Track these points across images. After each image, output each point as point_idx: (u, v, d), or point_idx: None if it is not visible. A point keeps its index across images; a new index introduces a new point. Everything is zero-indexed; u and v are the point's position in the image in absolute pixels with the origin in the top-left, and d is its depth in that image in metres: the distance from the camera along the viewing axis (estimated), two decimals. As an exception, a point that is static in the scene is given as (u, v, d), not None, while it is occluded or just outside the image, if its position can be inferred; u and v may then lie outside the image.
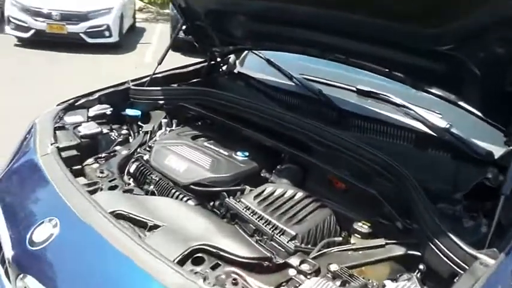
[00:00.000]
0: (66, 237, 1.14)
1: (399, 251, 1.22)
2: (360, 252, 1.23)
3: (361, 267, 1.20)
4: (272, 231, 1.27)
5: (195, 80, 2.30)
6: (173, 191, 1.51)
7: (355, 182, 1.38)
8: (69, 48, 6.89)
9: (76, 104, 1.92)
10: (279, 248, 1.24)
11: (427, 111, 1.63)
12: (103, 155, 1.74)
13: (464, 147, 1.49)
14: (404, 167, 1.41)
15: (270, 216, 1.31)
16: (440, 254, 1.10)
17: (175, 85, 2.20)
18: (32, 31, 6.85)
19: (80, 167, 1.66)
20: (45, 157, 1.47)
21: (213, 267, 1.14)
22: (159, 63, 2.17)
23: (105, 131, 1.82)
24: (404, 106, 1.68)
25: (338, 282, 1.07)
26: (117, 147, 1.80)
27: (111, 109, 1.95)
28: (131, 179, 1.65)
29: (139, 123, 2.01)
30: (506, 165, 1.35)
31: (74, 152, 1.66)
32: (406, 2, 1.24)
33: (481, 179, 1.36)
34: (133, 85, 2.10)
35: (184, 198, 1.48)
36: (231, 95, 1.89)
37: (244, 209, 1.34)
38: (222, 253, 1.17)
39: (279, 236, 1.26)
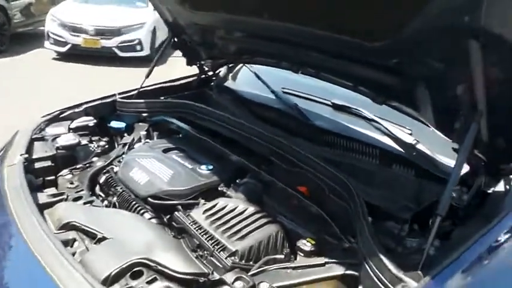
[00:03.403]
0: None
1: (339, 270, 1.16)
2: (299, 270, 1.19)
3: (299, 286, 1.16)
4: (213, 246, 1.25)
5: (182, 94, 2.33)
6: (133, 203, 1.53)
7: (305, 199, 1.34)
8: (102, 61, 7.24)
9: (61, 115, 2.00)
10: (218, 264, 1.22)
11: (397, 127, 1.56)
12: (79, 166, 1.80)
13: (429, 165, 1.41)
14: (368, 183, 1.36)
15: (214, 231, 1.30)
16: (372, 275, 1.04)
17: (162, 98, 2.25)
18: (69, 45, 7.27)
19: (53, 177, 1.72)
20: (11, 167, 1.54)
21: (150, 282, 1.14)
22: (147, 77, 2.23)
23: (83, 142, 1.88)
24: (374, 121, 1.62)
25: None
26: (94, 159, 1.85)
27: (94, 121, 2.02)
28: (101, 191, 1.69)
29: (125, 135, 2.07)
30: (471, 184, 1.28)
31: (48, 163, 1.72)
32: (351, 17, 1.21)
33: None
34: (120, 98, 2.16)
35: (142, 211, 1.49)
36: (206, 108, 1.91)
37: (191, 223, 1.34)
38: (160, 268, 1.17)
39: (219, 252, 1.24)
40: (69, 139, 1.84)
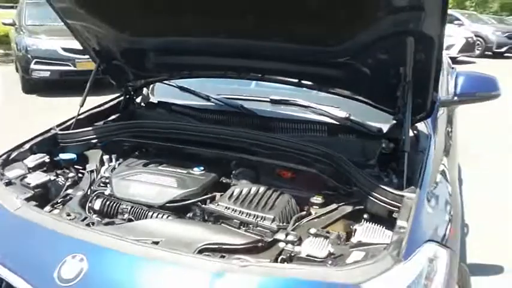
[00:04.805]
0: (99, 267, 1.24)
1: (348, 209, 1.64)
2: (322, 217, 1.61)
3: (326, 228, 1.58)
4: (255, 219, 1.56)
5: (115, 116, 2.39)
6: (150, 213, 1.67)
7: (303, 168, 1.76)
8: None
9: (9, 158, 1.87)
10: (265, 230, 1.53)
11: (329, 107, 2.12)
12: (59, 200, 1.77)
13: (362, 128, 2.01)
14: None
15: (248, 209, 1.60)
16: (377, 201, 1.55)
17: (101, 123, 2.27)
18: None
19: (41, 216, 1.67)
20: (20, 210, 1.47)
21: None
22: (81, 105, 2.23)
23: (52, 178, 1.84)
24: (310, 106, 2.14)
25: (321, 239, 1.43)
26: (69, 191, 1.84)
27: (48, 156, 1.96)
28: (94, 215, 1.73)
29: (75, 166, 2.05)
30: (393, 136, 1.90)
31: (34, 203, 1.66)
32: (309, 30, 1.68)
33: (380, 148, 1.89)
34: (59, 130, 2.12)
35: (164, 216, 1.65)
36: (165, 122, 2.10)
37: (226, 209, 1.60)
38: (223, 247, 1.42)
39: (262, 222, 1.55)
40: (41, 177, 1.79)
